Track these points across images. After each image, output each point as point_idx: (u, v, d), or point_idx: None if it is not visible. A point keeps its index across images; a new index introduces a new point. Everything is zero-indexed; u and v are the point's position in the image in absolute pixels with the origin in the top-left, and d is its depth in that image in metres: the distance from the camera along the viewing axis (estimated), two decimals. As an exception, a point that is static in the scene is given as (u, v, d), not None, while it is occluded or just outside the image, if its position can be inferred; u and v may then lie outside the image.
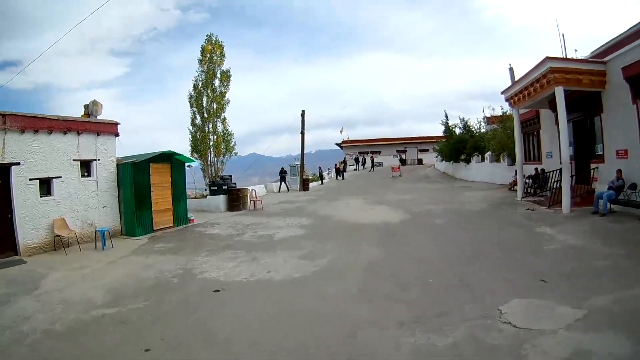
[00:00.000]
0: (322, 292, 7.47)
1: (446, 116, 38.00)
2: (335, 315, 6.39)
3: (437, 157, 44.27)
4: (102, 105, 15.58)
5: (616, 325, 5.10)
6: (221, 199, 21.23)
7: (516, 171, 19.99)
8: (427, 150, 61.90)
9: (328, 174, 45.41)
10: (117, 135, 15.62)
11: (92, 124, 14.80)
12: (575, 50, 21.32)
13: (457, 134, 35.92)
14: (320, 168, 41.36)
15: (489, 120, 32.57)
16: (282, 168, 34.65)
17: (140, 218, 15.14)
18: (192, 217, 17.47)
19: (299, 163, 35.55)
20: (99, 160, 14.86)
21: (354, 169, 56.01)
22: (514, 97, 18.21)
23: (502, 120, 27.22)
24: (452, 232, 12.45)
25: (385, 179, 38.68)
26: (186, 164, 18.20)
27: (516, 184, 19.65)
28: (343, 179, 42.86)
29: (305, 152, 35.92)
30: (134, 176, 15.01)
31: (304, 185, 33.56)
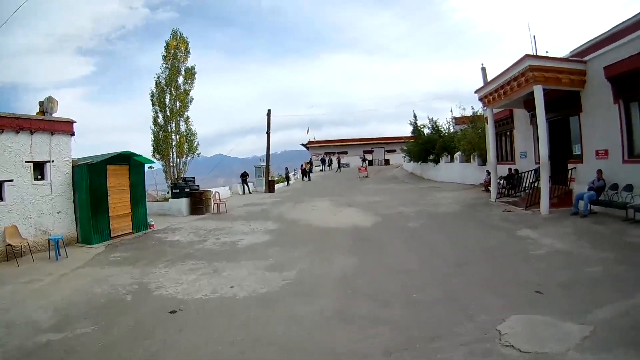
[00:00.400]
0: (293, 312, 6.67)
1: (415, 116, 37.84)
2: (310, 342, 5.59)
3: (405, 157, 44.32)
4: (57, 102, 14.65)
5: (627, 342, 4.67)
6: (183, 203, 20.44)
7: (488, 171, 19.97)
8: (394, 151, 62.28)
9: (294, 174, 44.92)
10: (72, 134, 14.72)
11: (46, 122, 13.86)
12: (547, 52, 21.05)
13: (426, 134, 35.86)
14: (286, 169, 40.80)
15: (458, 120, 32.60)
16: (244, 172, 33.86)
17: (97, 224, 14.22)
18: (153, 223, 16.68)
19: (264, 164, 34.92)
20: (53, 161, 13.92)
21: (320, 170, 55.78)
22: (488, 96, 18.02)
23: (473, 120, 27.31)
24: (429, 236, 12.01)
25: (352, 179, 38.53)
26: (146, 165, 17.47)
27: (489, 185, 19.49)
28: (309, 180, 42.51)
29: (271, 152, 35.46)
30: (90, 179, 14.13)
31: (270, 186, 32.99)
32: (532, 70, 13.89)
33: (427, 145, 34.32)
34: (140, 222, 16.07)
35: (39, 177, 13.57)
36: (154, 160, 16.76)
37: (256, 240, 12.78)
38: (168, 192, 23.10)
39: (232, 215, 19.18)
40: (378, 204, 19.49)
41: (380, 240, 12.00)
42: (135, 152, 15.61)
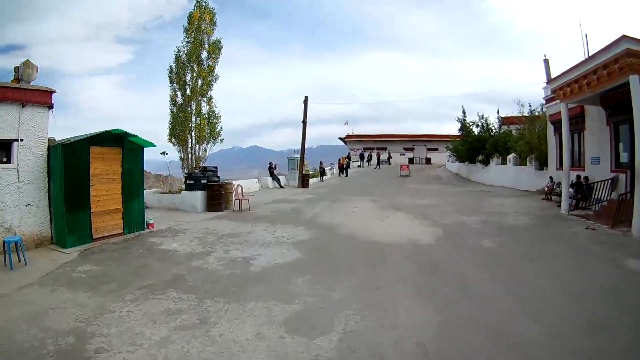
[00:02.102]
0: None
1: (463, 112, 34.31)
2: None
3: (449, 156, 41.61)
4: (37, 67, 11.39)
5: None
6: (198, 196, 16.99)
7: (551, 177, 18.62)
8: (436, 149, 59.39)
9: (330, 169, 41.57)
10: (50, 107, 11.43)
11: (14, 91, 10.64)
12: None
13: (475, 132, 32.83)
14: (321, 162, 37.44)
15: (505, 120, 30.45)
16: (271, 162, 30.57)
17: (73, 222, 10.83)
18: (152, 221, 13.24)
19: (298, 156, 31.54)
20: (22, 140, 10.73)
21: (358, 166, 52.22)
22: (564, 87, 14.76)
23: (530, 120, 24.60)
24: (519, 266, 8.53)
25: (392, 177, 35.49)
26: (145, 151, 14.13)
27: (551, 192, 17.91)
28: (347, 175, 39.32)
29: (306, 147, 32.34)
30: (65, 163, 10.75)
31: (303, 181, 29.68)
32: (630, 55, 10.62)
33: (476, 145, 31.33)
34: (134, 221, 12.59)
35: (3, 159, 10.56)
36: (153, 143, 13.09)
37: (278, 259, 9.05)
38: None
39: (255, 215, 15.73)
40: (430, 209, 16.39)
41: (456, 269, 8.26)
42: (128, 131, 12.12)
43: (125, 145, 12.27)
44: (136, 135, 12.27)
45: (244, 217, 15.13)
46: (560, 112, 16.56)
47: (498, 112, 31.47)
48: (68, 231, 10.69)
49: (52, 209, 11.21)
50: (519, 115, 26.64)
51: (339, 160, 43.87)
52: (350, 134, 64.82)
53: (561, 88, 15.12)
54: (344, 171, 40.12)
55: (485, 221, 13.46)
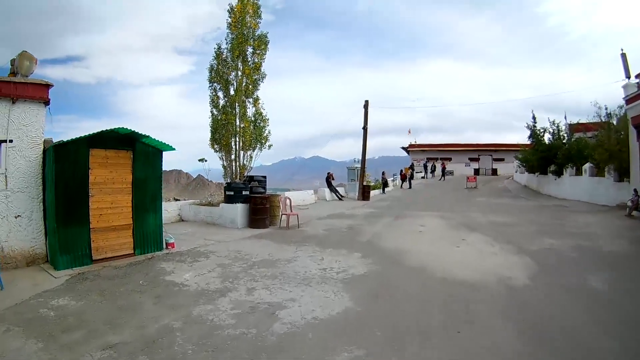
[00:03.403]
0: None
1: (533, 118, 30.92)
2: None
3: (518, 167, 38.91)
4: (37, 60, 9.54)
5: None
6: (238, 210, 14.45)
7: (636, 191, 15.94)
8: (502, 160, 56.57)
9: (393, 180, 39.20)
10: (47, 103, 9.47)
11: (3, 84, 8.80)
12: None
13: (546, 140, 29.91)
14: (383, 173, 34.87)
15: (574, 127, 27.36)
16: (329, 173, 28.09)
17: (67, 240, 8.64)
18: (172, 240, 10.83)
19: (358, 166, 28.92)
20: (11, 141, 8.84)
21: (422, 177, 49.65)
22: None
23: (608, 125, 21.50)
24: None
25: (459, 190, 33.13)
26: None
27: (637, 208, 15.52)
28: (410, 187, 36.77)
29: (368, 157, 29.85)
30: (57, 169, 8.60)
31: (364, 193, 26.99)
32: None
33: (547, 154, 28.45)
34: (148, 240, 10.22)
35: (-9, 163, 8.53)
36: (172, 147, 10.64)
37: (318, 311, 6.14)
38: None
39: (303, 234, 13.12)
40: (509, 230, 13.68)
41: (574, 335, 5.24)
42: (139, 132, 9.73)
43: (137, 149, 9.92)
44: (149, 136, 9.83)
45: (290, 237, 12.51)
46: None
47: (565, 118, 28.45)
48: (60, 250, 8.54)
49: (46, 222, 9.13)
50: (593, 121, 23.94)
51: (402, 170, 41.54)
52: (413, 143, 62.00)
53: None
54: (408, 182, 37.65)
55: (578, 247, 10.79)
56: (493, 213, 18.30)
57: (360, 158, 29.13)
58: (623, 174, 19.08)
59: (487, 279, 7.71)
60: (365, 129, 28.28)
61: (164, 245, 10.61)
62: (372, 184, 32.49)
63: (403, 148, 64.00)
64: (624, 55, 18.90)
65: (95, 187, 9.09)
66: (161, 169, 10.80)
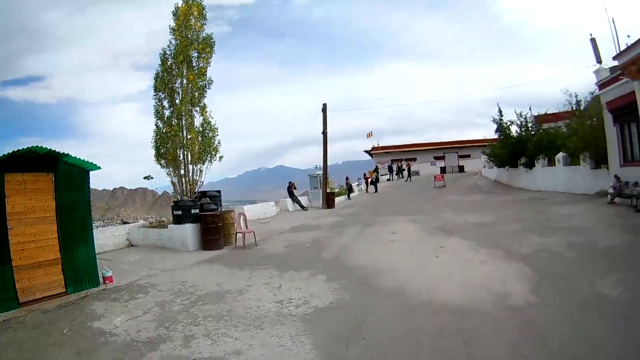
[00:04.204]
0: None
1: (499, 111, 30.35)
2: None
3: (487, 162, 38.60)
4: None
5: None
6: (188, 231, 12.99)
7: (617, 176, 15.57)
8: (468, 156, 56.24)
9: (358, 185, 38.27)
10: None
11: None
12: (628, 36, 16.76)
13: (514, 133, 29.41)
14: (347, 178, 33.75)
15: (539, 119, 27.38)
16: (290, 182, 26.84)
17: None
18: (109, 274, 9.29)
19: (320, 173, 27.65)
20: None
21: (387, 179, 48.80)
22: None
23: (578, 113, 21.41)
24: None
25: (428, 190, 32.38)
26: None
27: (615, 195, 15.15)
28: (376, 191, 35.64)
29: (332, 163, 29.10)
30: None
31: (328, 200, 25.86)
32: None
33: (517, 147, 27.99)
34: (80, 275, 8.71)
35: None
36: (97, 165, 9.17)
37: None
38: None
39: (261, 253, 11.73)
40: (490, 229, 12.75)
41: None
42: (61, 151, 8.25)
43: (59, 170, 8.45)
44: (69, 155, 8.36)
45: (245, 258, 11.10)
46: (622, 96, 15.15)
47: (530, 110, 28.16)
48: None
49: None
50: (564, 110, 23.66)
51: (366, 174, 40.32)
52: (376, 145, 61.20)
53: (634, 62, 12.65)
54: (374, 186, 36.55)
55: (573, 244, 9.72)
56: (468, 212, 17.45)
57: (322, 165, 27.93)
58: (600, 161, 18.71)
59: (481, 298, 6.49)
60: (325, 133, 27.15)
61: (101, 280, 9.10)
62: (336, 190, 31.52)
63: (366, 151, 63.33)
64: (593, 40, 18.74)
65: (14, 218, 7.60)
66: (89, 191, 9.28)
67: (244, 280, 8.53)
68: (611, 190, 15.45)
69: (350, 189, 32.69)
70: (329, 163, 28.09)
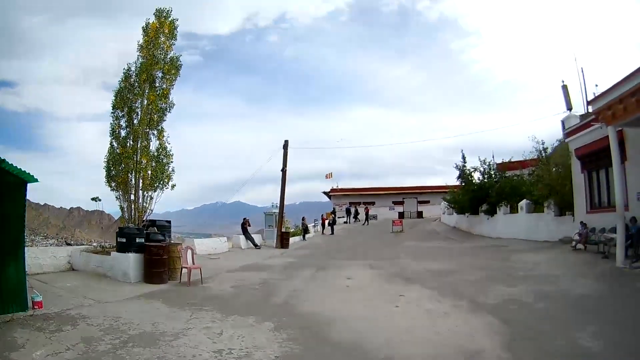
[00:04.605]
0: None
1: (463, 158, 30.40)
2: None
3: (447, 208, 38.30)
4: None
5: None
6: (131, 261, 12.08)
7: (583, 223, 15.38)
8: (427, 202, 56.07)
9: (314, 226, 37.66)
10: None
11: None
12: (596, 85, 18.07)
13: (477, 179, 29.32)
14: (303, 219, 33.16)
15: (505, 166, 27.33)
16: (244, 218, 25.91)
17: None
18: (39, 298, 8.47)
19: (276, 211, 27.03)
20: None
21: (344, 222, 48.41)
22: (615, 105, 12.11)
23: (543, 161, 21.65)
24: None
25: (385, 234, 31.95)
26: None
27: (584, 241, 14.88)
28: (332, 233, 35.49)
29: (289, 202, 28.72)
30: None
31: (282, 240, 25.26)
32: None
33: (479, 193, 27.98)
34: (7, 297, 7.87)
35: None
36: (36, 177, 8.36)
37: None
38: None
39: (205, 292, 11.00)
40: (452, 278, 12.39)
41: None
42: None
43: (-12, 179, 7.66)
44: (5, 160, 7.60)
45: (188, 297, 10.31)
46: (592, 142, 15.46)
47: (493, 158, 28.07)
48: None
49: None
50: (530, 157, 23.87)
51: (322, 215, 39.89)
52: (335, 187, 60.78)
53: (610, 107, 12.38)
54: (330, 228, 36.31)
55: (542, 294, 9.50)
56: (427, 259, 17.16)
57: (278, 203, 27.39)
58: (564, 208, 18.66)
59: (448, 356, 6.01)
60: (284, 170, 26.74)
61: (30, 304, 8.27)
62: (291, 230, 30.90)
63: (325, 193, 62.91)
64: (565, 87, 18.99)
65: None
66: (24, 205, 8.54)
67: (182, 322, 7.77)
68: (576, 237, 15.33)
69: (305, 230, 32.15)
70: (286, 202, 27.62)
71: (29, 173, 8.11)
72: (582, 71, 19.45)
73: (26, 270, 11.72)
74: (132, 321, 7.73)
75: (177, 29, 16.46)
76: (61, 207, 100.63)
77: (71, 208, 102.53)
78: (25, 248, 13.34)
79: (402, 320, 7.94)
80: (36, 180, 8.42)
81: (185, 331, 7.20)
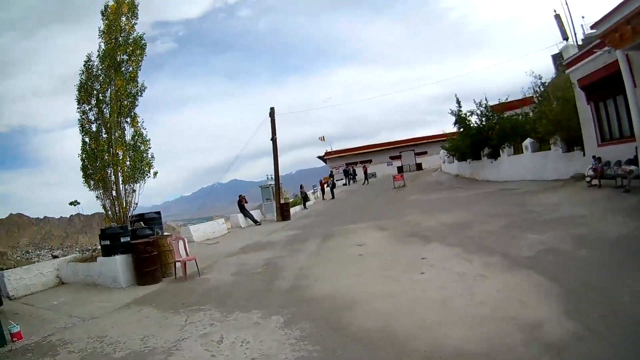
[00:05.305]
0: None
1: (458, 102, 28.66)
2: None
3: (446, 157, 37.07)
4: None
5: None
6: (118, 264, 10.95)
7: (596, 157, 14.43)
8: (425, 153, 55.57)
9: (313, 193, 36.71)
10: None
11: None
12: (583, 17, 17.43)
13: (474, 123, 27.81)
14: (301, 186, 32.09)
15: (497, 108, 25.76)
16: (240, 195, 24.85)
17: None
18: (16, 329, 7.38)
19: (272, 183, 25.96)
20: None
21: (344, 184, 47.42)
22: (623, 26, 11.12)
23: (544, 96, 21.17)
24: None
25: (387, 191, 30.44)
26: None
27: (596, 177, 13.91)
28: (333, 197, 34.39)
29: (285, 173, 27.20)
30: None
31: (283, 212, 24.11)
32: None
33: (478, 137, 26.73)
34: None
35: None
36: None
37: None
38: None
39: (203, 286, 9.89)
40: (472, 230, 11.22)
41: None
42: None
43: None
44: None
45: (183, 296, 9.18)
46: (596, 71, 14.35)
47: (486, 100, 26.46)
48: None
49: None
50: (528, 96, 23.46)
51: (321, 180, 38.84)
52: (330, 150, 59.79)
53: (616, 29, 11.38)
54: (331, 192, 35.33)
55: (576, 238, 8.38)
56: (437, 212, 15.97)
57: (273, 174, 26.24)
58: (572, 143, 17.79)
59: (505, 336, 4.85)
60: (274, 139, 25.48)
61: (8, 337, 7.26)
62: (291, 200, 29.89)
63: (320, 157, 62.10)
64: (557, 17, 17.80)
65: None
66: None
67: (176, 331, 6.64)
68: (590, 173, 14.42)
69: (305, 198, 31.17)
70: (282, 172, 26.55)
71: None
72: (566, 3, 18.67)
73: (12, 294, 10.73)
74: (119, 339, 6.67)
75: (138, 7, 15.04)
76: (61, 217, 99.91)
77: (71, 216, 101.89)
78: (8, 270, 12.35)
79: (433, 291, 6.81)
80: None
81: (179, 343, 6.10)
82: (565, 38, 18.06)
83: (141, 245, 10.97)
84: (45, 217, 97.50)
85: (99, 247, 12.87)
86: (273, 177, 26.08)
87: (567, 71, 17.16)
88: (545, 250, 7.96)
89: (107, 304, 9.31)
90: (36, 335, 7.52)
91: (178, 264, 11.24)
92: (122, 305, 8.97)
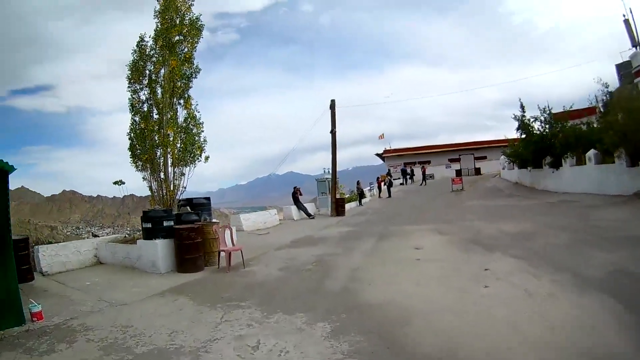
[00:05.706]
0: None
1: (522, 107, 26.95)
2: None
3: (507, 163, 35.39)
4: None
5: None
6: (159, 249, 10.34)
7: None
8: (484, 158, 53.55)
9: (370, 190, 36.01)
10: None
11: None
12: None
13: (537, 130, 26.14)
14: (358, 183, 31.13)
15: (559, 116, 24.07)
16: (295, 187, 24.08)
17: None
18: (38, 309, 6.79)
19: (329, 177, 25.03)
20: None
21: (400, 183, 45.93)
22: None
23: (612, 106, 18.80)
24: None
25: (445, 194, 29.53)
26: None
27: None
28: (389, 195, 33.39)
29: (341, 168, 26.75)
30: None
31: (337, 207, 23.34)
32: None
33: (541, 144, 25.15)
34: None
35: None
36: (13, 165, 6.63)
37: None
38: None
39: (246, 279, 9.08)
40: (534, 242, 10.25)
41: None
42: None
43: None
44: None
45: (223, 288, 8.38)
46: None
47: (550, 108, 24.71)
48: None
49: None
50: (593, 105, 21.14)
51: (378, 178, 38.05)
52: (388, 148, 58.48)
53: None
54: (387, 190, 34.25)
55: None
56: (497, 219, 14.97)
57: (330, 168, 25.34)
58: (638, 157, 16.58)
59: None
60: (333, 132, 24.53)
61: (28, 316, 6.66)
62: (346, 196, 28.97)
63: (378, 155, 60.87)
64: (627, 22, 16.32)
65: None
66: (7, 199, 6.77)
67: (209, 329, 5.80)
68: None
69: (361, 194, 30.28)
70: (339, 168, 25.57)
71: (7, 162, 6.35)
72: (631, 11, 17.08)
73: (45, 270, 10.17)
74: (144, 332, 5.91)
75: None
76: (114, 197, 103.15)
77: (124, 196, 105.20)
78: (44, 246, 11.83)
79: (500, 309, 5.79)
80: (14, 169, 6.65)
81: (210, 345, 5.25)
82: (635, 44, 16.61)
83: (184, 230, 10.26)
84: (98, 195, 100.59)
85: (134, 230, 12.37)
86: (330, 170, 25.13)
87: (635, 80, 15.52)
88: (617, 272, 6.99)
89: (141, 289, 8.69)
90: (58, 317, 6.97)
91: (222, 254, 10.47)
92: (157, 293, 8.28)
